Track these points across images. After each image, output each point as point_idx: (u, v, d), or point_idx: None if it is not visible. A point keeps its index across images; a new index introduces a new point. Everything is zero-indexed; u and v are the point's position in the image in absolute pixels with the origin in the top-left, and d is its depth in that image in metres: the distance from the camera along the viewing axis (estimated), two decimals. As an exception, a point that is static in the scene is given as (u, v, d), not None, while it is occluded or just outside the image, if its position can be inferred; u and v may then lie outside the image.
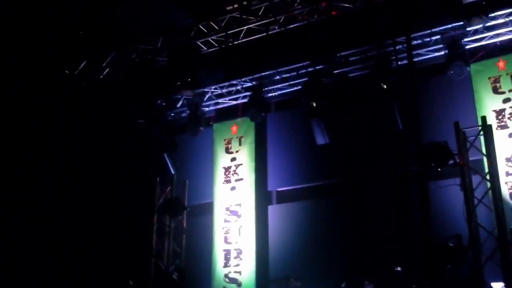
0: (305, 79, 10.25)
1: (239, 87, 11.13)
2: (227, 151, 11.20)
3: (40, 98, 10.72)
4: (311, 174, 10.54)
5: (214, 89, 11.27)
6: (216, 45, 10.82)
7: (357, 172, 10.06)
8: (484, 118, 8.21)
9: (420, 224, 8.19)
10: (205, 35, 10.76)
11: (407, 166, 8.96)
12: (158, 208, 10.90)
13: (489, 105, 8.72)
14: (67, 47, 10.69)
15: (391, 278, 8.40)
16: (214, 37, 10.78)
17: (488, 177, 7.94)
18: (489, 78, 8.85)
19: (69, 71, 11.03)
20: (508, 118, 8.61)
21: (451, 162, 7.98)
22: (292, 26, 10.14)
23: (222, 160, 11.21)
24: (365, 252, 9.22)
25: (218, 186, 11.10)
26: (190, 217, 10.90)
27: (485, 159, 8.09)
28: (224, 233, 10.72)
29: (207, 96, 11.35)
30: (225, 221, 10.79)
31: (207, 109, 11.51)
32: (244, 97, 11.10)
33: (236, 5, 10.30)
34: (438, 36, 9.23)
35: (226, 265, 10.53)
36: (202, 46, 10.89)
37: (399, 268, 8.34)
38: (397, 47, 9.27)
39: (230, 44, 10.63)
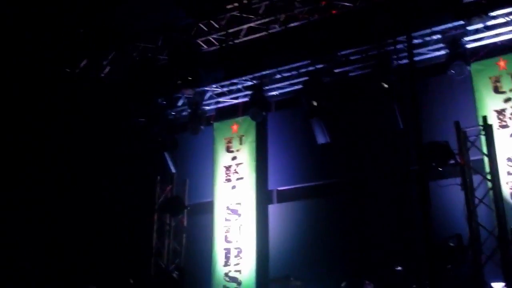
0: (305, 78, 10.24)
1: (239, 86, 11.12)
2: (228, 150, 11.20)
3: (40, 98, 10.73)
4: (312, 173, 10.54)
5: (214, 88, 11.26)
6: (217, 44, 10.80)
7: (357, 172, 10.05)
8: (485, 118, 8.18)
9: (420, 223, 8.20)
10: (205, 34, 10.75)
11: (407, 165, 8.95)
12: (158, 206, 10.90)
13: (490, 104, 8.69)
14: (68, 46, 10.69)
15: (391, 277, 8.39)
16: (214, 36, 10.76)
17: (489, 177, 7.92)
18: (490, 77, 8.82)
19: (70, 70, 11.03)
20: (509, 117, 8.57)
21: (451, 161, 7.96)
22: (293, 25, 10.10)
23: (223, 159, 11.21)
24: (366, 252, 9.21)
25: (218, 185, 11.10)
26: (191, 216, 10.90)
27: (486, 159, 8.07)
28: (225, 232, 10.72)
29: (207, 95, 11.35)
30: (226, 220, 10.79)
31: (207, 108, 11.51)
32: (244, 96, 11.10)
33: (236, 4, 10.28)
34: (439, 35, 9.21)
35: (226, 264, 10.53)
36: (203, 44, 10.87)
37: (399, 268, 8.34)
38: (397, 46, 9.28)
39: (231, 43, 10.61)
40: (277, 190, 10.98)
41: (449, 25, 9.04)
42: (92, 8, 10.11)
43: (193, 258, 10.77)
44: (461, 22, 8.85)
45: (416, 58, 9.13)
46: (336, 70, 10.13)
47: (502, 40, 8.96)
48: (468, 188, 7.88)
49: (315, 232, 10.04)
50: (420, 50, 9.34)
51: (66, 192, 10.83)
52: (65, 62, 10.96)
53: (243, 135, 11.12)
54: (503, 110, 8.61)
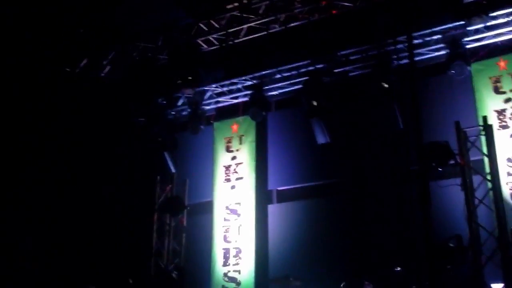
0: (305, 78, 10.23)
1: (239, 86, 11.12)
2: (228, 149, 11.19)
3: (40, 98, 10.72)
4: (312, 173, 10.54)
5: (214, 87, 11.25)
6: (217, 43, 10.79)
7: (357, 172, 10.04)
8: (485, 118, 8.18)
9: (420, 224, 8.19)
10: (205, 34, 10.74)
11: (407, 165, 8.96)
12: (158, 206, 10.89)
13: (490, 105, 8.68)
14: (68, 46, 10.68)
15: (391, 278, 8.38)
16: (214, 36, 10.76)
17: (489, 177, 7.91)
18: (490, 77, 8.81)
19: (70, 69, 11.02)
20: (509, 118, 8.57)
21: (451, 162, 7.95)
22: (293, 24, 10.10)
23: (223, 158, 11.20)
24: (365, 252, 9.21)
25: (218, 185, 11.09)
26: (190, 216, 10.89)
27: (486, 159, 8.06)
28: (224, 232, 10.71)
29: (207, 95, 11.34)
30: (225, 220, 10.79)
31: (207, 107, 11.50)
32: (244, 95, 11.09)
33: (236, 4, 10.28)
34: (439, 36, 9.20)
35: (225, 264, 10.53)
36: (203, 44, 10.86)
37: (399, 268, 8.33)
38: (397, 46, 9.28)
39: (231, 42, 10.61)
40: (277, 190, 10.99)
41: (450, 25, 9.05)
42: (92, 8, 10.10)
43: (193, 258, 10.77)
44: (462, 22, 8.85)
45: (416, 58, 9.09)
46: (336, 70, 10.12)
47: (503, 40, 8.95)
48: (468, 189, 7.87)
49: (314, 232, 10.04)
50: (421, 50, 9.33)
51: (66, 192, 10.82)
52: (65, 61, 10.95)
53: (243, 135, 11.12)
54: (503, 110, 8.61)
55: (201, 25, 10.69)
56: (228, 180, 11.02)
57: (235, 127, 11.26)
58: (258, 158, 10.91)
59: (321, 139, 9.99)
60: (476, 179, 8.06)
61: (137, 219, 10.87)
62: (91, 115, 11.11)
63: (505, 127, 8.56)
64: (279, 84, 10.78)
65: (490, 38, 8.98)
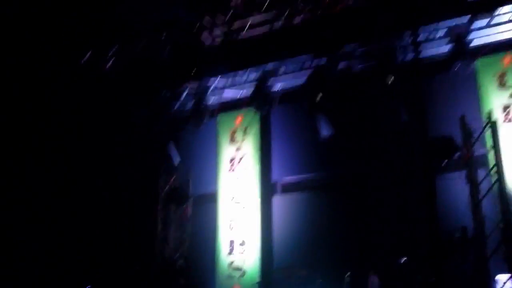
0: (309, 72, 10.28)
1: (243, 79, 11.13)
2: (232, 141, 11.26)
3: (46, 89, 10.71)
4: (315, 166, 10.64)
5: (219, 81, 11.26)
6: (221, 38, 10.80)
7: (361, 164, 10.16)
8: (490, 113, 8.33)
9: (425, 216, 8.40)
10: (210, 28, 10.74)
11: (412, 159, 9.14)
12: (163, 197, 10.98)
13: (495, 100, 8.82)
14: (73, 40, 10.66)
15: (395, 269, 8.54)
16: (218, 31, 10.77)
17: (493, 171, 8.07)
18: (494, 73, 8.93)
19: (75, 62, 11.00)
20: (514, 113, 8.73)
21: (456, 156, 8.12)
22: (297, 20, 10.13)
23: (227, 150, 11.28)
24: (370, 243, 9.36)
25: (222, 176, 11.18)
26: (195, 206, 11.00)
27: (490, 153, 8.22)
28: (229, 222, 10.81)
29: (212, 88, 11.35)
30: (230, 210, 10.88)
31: (212, 100, 11.52)
32: (248, 89, 11.10)
33: (240, -1, 10.32)
34: (444, 32, 9.29)
35: (230, 254, 10.64)
36: (207, 38, 10.86)
37: (404, 259, 8.48)
38: (402, 42, 9.38)
39: (235, 37, 10.63)
40: (281, 182, 11.07)
41: (454, 21, 9.13)
42: (96, 3, 10.08)
43: (198, 247, 10.89)
44: (467, 19, 8.94)
45: (422, 54, 9.25)
46: (340, 65, 10.18)
47: (507, 37, 9.06)
48: (473, 182, 8.04)
49: (318, 223, 10.16)
50: (426, 46, 9.41)
51: (71, 184, 10.86)
52: (69, 55, 10.92)
53: (247, 127, 11.17)
54: (508, 105, 8.74)
55: (205, 20, 10.67)
56: (232, 171, 11.11)
57: (239, 119, 11.31)
58: (262, 150, 10.99)
59: (324, 132, 10.07)
60: (481, 173, 8.22)
61: (142, 209, 10.94)
62: (95, 108, 11.13)
63: (510, 121, 8.68)
64: (283, 78, 10.82)
65: (495, 34, 9.09)
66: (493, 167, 8.09)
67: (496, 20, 8.96)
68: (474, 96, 9.02)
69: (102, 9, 10.20)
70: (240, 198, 10.87)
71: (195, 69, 10.39)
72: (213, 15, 10.65)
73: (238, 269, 10.52)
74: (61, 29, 10.33)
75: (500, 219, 7.79)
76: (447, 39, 9.35)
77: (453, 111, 8.87)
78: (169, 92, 11.38)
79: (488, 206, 8.06)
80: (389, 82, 9.37)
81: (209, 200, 11.23)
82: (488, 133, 8.30)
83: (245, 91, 11.28)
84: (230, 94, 11.49)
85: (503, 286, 7.57)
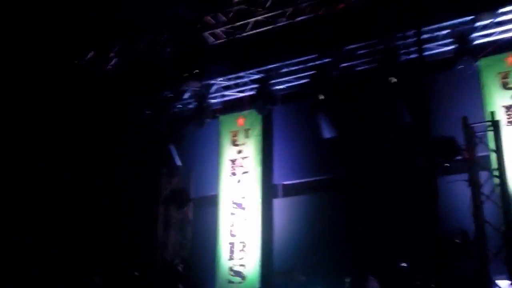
0: (312, 72, 10.20)
1: (246, 79, 11.10)
2: (234, 143, 11.18)
3: (46, 89, 10.74)
4: (317, 168, 10.51)
5: (221, 81, 11.22)
6: (224, 36, 10.76)
7: (363, 166, 10.00)
8: (492, 114, 8.15)
9: (426, 219, 8.21)
10: (212, 27, 10.71)
11: (414, 161, 8.98)
12: (163, 199, 10.93)
13: (498, 100, 8.63)
14: (75, 38, 10.68)
15: (396, 273, 8.39)
16: (221, 29, 10.72)
17: (496, 173, 7.88)
18: (498, 73, 8.75)
19: (77, 62, 11.03)
20: (517, 114, 8.54)
21: (458, 157, 7.94)
22: (300, 18, 10.05)
23: (228, 152, 11.20)
24: (370, 247, 9.20)
25: (224, 179, 11.09)
26: (196, 209, 10.93)
27: (493, 155, 8.03)
28: (229, 226, 10.72)
29: (214, 88, 11.31)
30: (231, 213, 10.79)
31: (213, 101, 11.47)
32: (251, 89, 11.07)
33: (243, -3, 10.25)
34: (447, 31, 9.14)
35: (230, 258, 10.54)
36: (210, 37, 10.82)
37: (404, 264, 8.33)
38: (405, 41, 9.25)
39: (238, 36, 10.57)
40: (283, 184, 10.98)
41: (458, 20, 8.98)
42: (99, 1, 10.09)
43: (198, 251, 10.82)
44: (470, 17, 8.79)
45: (425, 53, 9.08)
46: (343, 65, 10.07)
47: (511, 36, 8.87)
48: (475, 184, 7.86)
49: (320, 226, 10.01)
50: (429, 45, 9.26)
51: (72, 184, 10.86)
52: (72, 53, 10.95)
53: (248, 129, 11.09)
54: (511, 106, 8.55)
55: (208, 18, 10.64)
56: (233, 174, 11.02)
57: (241, 120, 11.24)
58: (264, 152, 10.89)
59: (327, 133, 9.97)
60: (483, 175, 8.03)
61: (142, 211, 10.90)
62: (97, 108, 11.13)
63: (513, 122, 8.51)
64: (286, 78, 10.75)
65: (499, 33, 8.90)
66: (495, 169, 7.90)
67: (499, 19, 8.75)
68: (477, 96, 8.83)
69: (103, 9, 10.19)
70: (241, 201, 10.77)
71: (196, 69, 10.32)
72: (215, 14, 10.58)
73: (238, 273, 10.42)
74: (62, 29, 10.34)
75: (502, 222, 7.60)
76: (450, 39, 9.17)
77: (455, 111, 8.70)
78: (170, 93, 11.34)
79: (490, 208, 7.87)
80: (392, 83, 9.24)
81: (209, 202, 11.15)
82: (491, 134, 8.10)
83: (247, 91, 11.23)
84: (232, 94, 11.43)
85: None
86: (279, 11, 10.12)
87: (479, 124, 8.21)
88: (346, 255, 9.43)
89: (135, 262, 10.34)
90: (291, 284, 9.27)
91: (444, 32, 9.19)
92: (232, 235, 10.63)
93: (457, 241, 7.64)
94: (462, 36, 8.91)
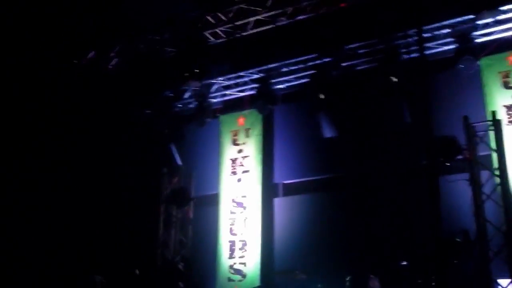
0: (313, 71, 10.20)
1: (246, 79, 11.11)
2: (234, 142, 11.19)
3: (47, 89, 10.74)
4: (318, 167, 10.51)
5: (221, 80, 11.23)
6: (224, 36, 10.75)
7: (364, 166, 10.00)
8: (494, 113, 8.15)
9: (426, 218, 8.21)
10: (213, 26, 10.69)
11: (414, 160, 8.97)
12: (164, 198, 10.94)
13: (499, 100, 8.63)
14: (76, 38, 10.67)
15: (396, 272, 8.39)
16: (222, 28, 10.71)
17: (497, 172, 7.89)
18: (499, 72, 8.75)
19: (78, 61, 11.02)
20: (519, 113, 8.53)
21: (459, 157, 7.94)
22: (300, 18, 10.04)
23: (229, 151, 11.21)
24: (371, 246, 9.20)
25: (224, 178, 11.11)
26: (197, 208, 10.95)
27: (494, 154, 8.04)
28: (230, 225, 10.74)
29: (214, 88, 11.32)
30: (231, 212, 10.81)
31: (214, 100, 11.48)
32: (251, 89, 11.09)
33: (244, -4, 10.23)
34: (448, 30, 9.14)
35: (231, 256, 10.56)
36: (210, 37, 10.82)
37: (404, 263, 8.33)
38: (406, 40, 9.24)
39: (238, 35, 10.57)
40: (283, 184, 10.97)
41: (459, 19, 8.98)
42: (99, 1, 10.08)
43: (199, 249, 10.83)
44: (471, 16, 8.79)
45: (425, 52, 9.07)
46: (344, 64, 10.08)
47: (512, 35, 8.88)
48: (476, 184, 7.88)
49: (320, 225, 10.02)
50: (429, 44, 9.27)
51: (73, 183, 10.85)
52: (73, 53, 10.94)
53: (249, 128, 11.11)
54: (512, 105, 8.56)
55: (209, 17, 10.63)
56: (234, 173, 11.04)
57: (241, 120, 11.26)
58: (265, 151, 10.91)
59: (327, 132, 9.97)
60: (484, 174, 8.04)
61: (143, 210, 10.90)
62: (97, 108, 11.12)
63: (514, 122, 8.51)
64: (286, 78, 10.76)
65: (500, 32, 8.91)
66: (496, 169, 7.90)
67: (500, 17, 8.74)
68: (478, 96, 8.83)
69: (104, 9, 10.18)
70: (241, 200, 10.78)
71: (197, 69, 10.32)
72: (216, 14, 10.57)
73: (239, 272, 10.44)
74: (62, 29, 10.33)
75: (503, 221, 7.60)
76: (451, 38, 9.17)
77: (456, 111, 8.71)
78: (171, 92, 11.34)
79: (491, 208, 7.88)
80: (392, 82, 9.24)
81: (210, 201, 11.16)
82: (491, 133, 8.10)
83: (247, 91, 11.23)
84: (232, 94, 11.43)
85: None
86: (280, 11, 10.10)
87: (480, 123, 8.23)
88: (347, 254, 9.44)
89: (136, 261, 10.34)
90: (292, 283, 9.26)
91: (445, 31, 9.19)
92: (233, 234, 10.64)
93: (458, 240, 7.64)
94: (463, 35, 8.91)
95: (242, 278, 10.34)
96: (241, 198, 10.80)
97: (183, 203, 10.85)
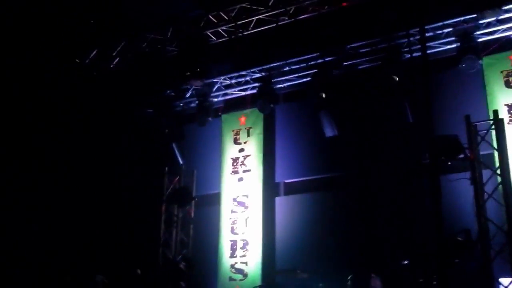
0: (314, 70, 10.20)
1: (248, 78, 11.12)
2: (236, 142, 11.19)
3: (48, 88, 10.74)
4: (319, 166, 10.50)
5: (223, 79, 11.24)
6: (226, 35, 10.76)
7: (366, 165, 9.99)
8: (495, 112, 8.13)
9: (428, 217, 8.18)
10: (214, 25, 10.70)
11: (416, 159, 8.96)
12: (166, 197, 10.94)
13: (501, 99, 8.62)
14: (78, 37, 10.68)
15: (398, 271, 8.37)
16: (223, 28, 10.71)
17: (498, 171, 7.87)
18: (501, 71, 8.74)
19: (80, 61, 11.03)
20: (521, 112, 8.52)
21: (461, 156, 7.91)
22: (302, 17, 10.05)
23: (230, 150, 11.20)
24: (373, 245, 9.19)
25: (226, 177, 11.10)
26: (198, 207, 10.93)
27: (496, 153, 8.02)
28: (231, 224, 10.73)
29: (216, 87, 11.33)
30: (232, 211, 10.80)
31: (215, 99, 11.48)
32: (253, 88, 11.09)
33: (246, -5, 10.23)
34: (450, 29, 9.14)
35: (232, 256, 10.55)
36: (212, 36, 10.83)
37: (406, 261, 8.31)
38: (408, 40, 9.23)
39: (240, 34, 10.57)
40: (284, 183, 10.95)
41: (461, 18, 8.99)
42: (101, 0, 10.10)
43: (200, 249, 10.81)
44: (473, 15, 8.79)
45: (427, 51, 9.04)
46: (345, 63, 10.07)
47: (515, 34, 8.87)
48: (477, 183, 7.85)
49: (322, 225, 10.01)
50: (432, 44, 9.28)
51: (75, 183, 10.86)
52: (75, 52, 10.95)
53: (250, 127, 11.11)
54: (514, 104, 8.55)
55: (211, 16, 10.64)
56: (235, 172, 11.03)
57: (243, 119, 11.25)
58: (266, 150, 10.91)
59: (329, 131, 9.96)
60: (486, 173, 8.03)
61: (145, 209, 10.90)
62: (99, 107, 11.13)
63: (516, 121, 8.49)
64: (288, 77, 10.76)
65: (502, 31, 8.91)
66: (498, 168, 7.89)
67: (503, 16, 8.73)
68: (480, 95, 8.83)
69: (106, 8, 10.19)
70: (243, 199, 10.77)
71: (199, 68, 10.32)
72: (217, 13, 10.57)
73: (240, 271, 10.43)
74: (64, 28, 10.34)
75: (505, 220, 7.58)
76: (453, 37, 9.16)
77: (458, 110, 8.70)
78: (172, 92, 11.35)
79: (493, 207, 7.87)
80: (394, 80, 9.23)
81: (211, 201, 11.15)
82: (493, 132, 8.08)
83: (249, 90, 11.22)
84: (234, 93, 11.42)
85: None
86: (282, 10, 10.10)
87: (482, 122, 8.21)
88: (348, 253, 9.42)
89: (137, 260, 10.33)
90: (293, 282, 9.23)
91: (447, 30, 9.18)
92: (234, 233, 10.63)
93: (460, 239, 7.60)
94: (465, 34, 8.89)
95: (243, 278, 10.33)
96: (243, 197, 10.78)
97: (184, 202, 10.84)
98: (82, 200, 10.80)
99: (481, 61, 8.82)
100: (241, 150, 11.09)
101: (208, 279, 10.62)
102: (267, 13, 10.25)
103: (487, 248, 7.55)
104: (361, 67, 10.08)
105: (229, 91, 11.43)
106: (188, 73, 10.47)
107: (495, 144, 8.04)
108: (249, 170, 10.88)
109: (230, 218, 10.77)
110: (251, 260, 10.33)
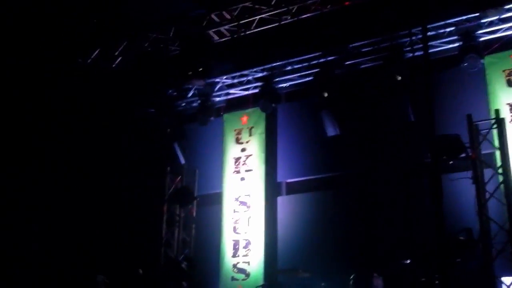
0: (316, 70, 10.20)
1: (250, 78, 11.12)
2: (237, 141, 11.19)
3: (49, 88, 10.77)
4: (321, 166, 10.49)
5: (225, 79, 11.25)
6: (228, 35, 10.77)
7: (367, 164, 9.98)
8: (497, 111, 8.12)
9: (429, 217, 8.16)
10: (217, 25, 10.71)
11: (418, 158, 8.94)
12: (168, 197, 10.96)
13: (502, 98, 8.59)
14: (80, 36, 10.71)
15: (400, 271, 8.35)
16: (226, 27, 10.72)
17: (500, 170, 7.87)
18: (503, 70, 8.71)
19: (82, 60, 11.06)
20: (522, 111, 8.49)
21: (463, 155, 7.90)
22: (305, 16, 10.05)
23: (232, 150, 11.20)
24: (375, 245, 9.18)
25: (227, 177, 11.10)
26: (200, 207, 10.94)
27: (497, 152, 8.01)
28: (233, 224, 10.73)
29: (218, 86, 11.34)
30: (234, 211, 10.80)
31: (217, 99, 11.49)
32: (255, 87, 11.09)
33: (248, -6, 10.24)
34: (452, 28, 9.12)
35: (234, 255, 10.54)
36: (214, 35, 10.84)
37: (408, 261, 8.29)
38: (410, 39, 9.22)
39: (242, 34, 10.57)
40: (286, 182, 10.94)
41: (463, 17, 8.98)
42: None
43: (202, 249, 10.82)
44: (476, 14, 8.78)
45: (429, 51, 9.03)
46: (347, 62, 10.07)
47: (517, 33, 8.85)
48: (479, 182, 7.84)
49: (323, 224, 10.00)
50: (434, 43, 9.24)
51: (76, 182, 10.88)
52: (77, 52, 10.98)
53: (252, 127, 11.11)
54: (516, 103, 8.52)
55: (213, 16, 10.65)
56: (237, 172, 11.03)
57: (245, 118, 11.25)
58: (268, 150, 10.90)
59: (331, 131, 9.95)
60: (488, 172, 8.02)
61: (147, 209, 10.91)
62: (101, 106, 11.15)
63: (517, 120, 8.46)
64: (290, 76, 10.77)
65: (504, 30, 8.87)
66: (499, 167, 7.87)
67: (505, 15, 8.71)
68: (482, 94, 8.80)
69: (107, 7, 10.21)
70: (245, 199, 10.78)
71: (201, 67, 10.34)
72: (220, 12, 10.58)
73: (242, 271, 10.42)
74: (66, 28, 10.36)
75: (506, 219, 7.57)
76: (455, 36, 9.15)
77: (460, 109, 8.68)
78: (174, 91, 11.37)
79: (494, 206, 7.85)
80: (396, 80, 9.22)
81: (213, 200, 11.15)
82: (495, 131, 8.07)
83: (251, 90, 11.23)
84: (236, 93, 11.43)
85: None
86: (284, 9, 10.10)
87: (483, 121, 8.20)
88: (350, 253, 9.41)
89: (139, 260, 10.34)
90: (295, 282, 9.23)
91: (449, 29, 9.16)
92: (236, 233, 10.63)
93: (462, 238, 7.59)
94: (467, 33, 8.89)
95: (245, 277, 10.33)
96: (245, 197, 10.78)
97: (186, 202, 10.85)
98: (83, 200, 10.80)
99: (483, 60, 8.80)
100: (243, 149, 11.09)
101: (210, 278, 10.61)
102: (270, 12, 10.25)
103: (489, 247, 7.54)
104: (363, 66, 10.07)
105: (231, 91, 11.43)
106: (190, 72, 10.47)
107: (496, 143, 8.04)
108: (251, 170, 10.88)
109: (232, 218, 10.77)
110: (254, 260, 10.32)
